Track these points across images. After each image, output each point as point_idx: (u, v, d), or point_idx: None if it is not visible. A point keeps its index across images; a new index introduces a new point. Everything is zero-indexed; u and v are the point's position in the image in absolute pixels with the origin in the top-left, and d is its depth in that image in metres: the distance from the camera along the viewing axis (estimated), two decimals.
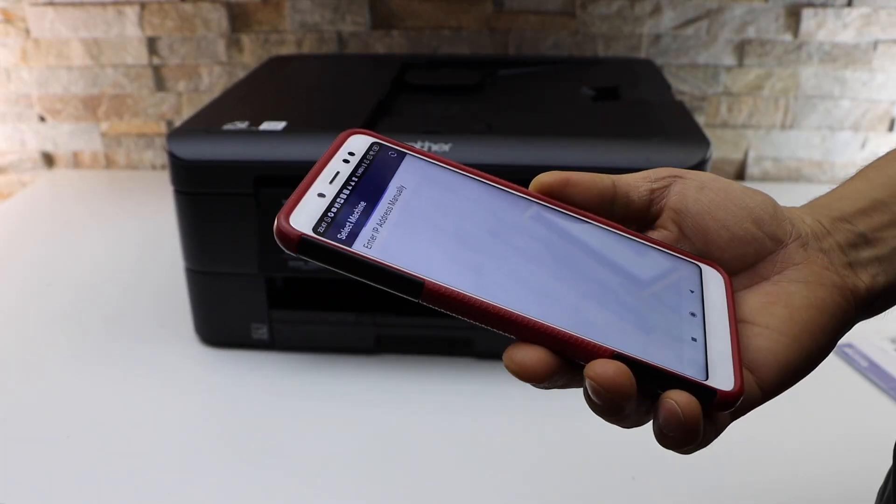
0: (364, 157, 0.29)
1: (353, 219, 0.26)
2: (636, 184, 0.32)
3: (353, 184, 0.27)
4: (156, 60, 1.10)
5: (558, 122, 0.70)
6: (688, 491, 0.53)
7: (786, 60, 1.04)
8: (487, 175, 0.30)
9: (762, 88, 1.06)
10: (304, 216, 0.25)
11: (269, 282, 0.67)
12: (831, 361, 0.68)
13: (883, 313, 0.33)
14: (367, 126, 0.67)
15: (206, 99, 1.09)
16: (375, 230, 0.25)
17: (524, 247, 0.27)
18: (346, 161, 0.28)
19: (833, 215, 0.33)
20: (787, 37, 1.03)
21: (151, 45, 1.09)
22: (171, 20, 1.07)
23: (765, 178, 1.11)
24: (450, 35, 1.06)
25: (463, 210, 0.27)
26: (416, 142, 0.62)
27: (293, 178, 0.63)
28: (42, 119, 1.14)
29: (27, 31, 1.09)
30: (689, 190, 0.32)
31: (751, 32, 1.03)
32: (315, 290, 0.70)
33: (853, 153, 1.08)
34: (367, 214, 0.26)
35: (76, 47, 1.09)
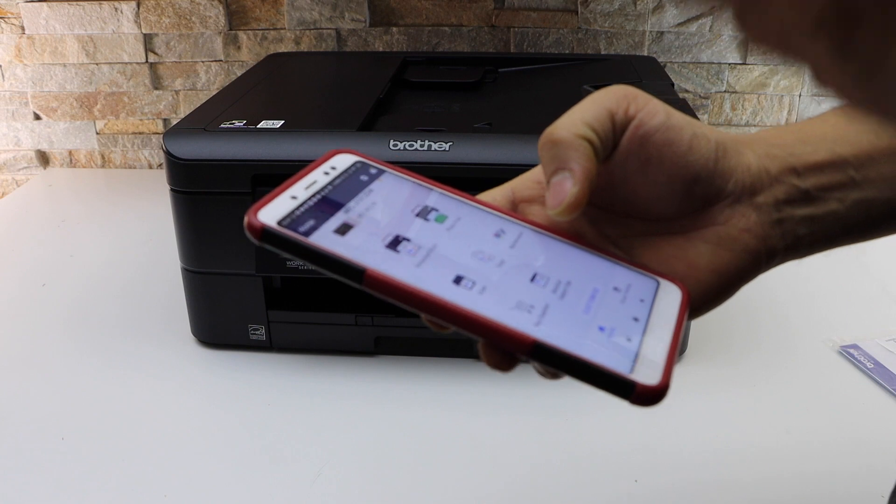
0: (344, 171, 0.32)
1: (315, 216, 0.29)
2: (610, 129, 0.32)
3: (325, 192, 0.31)
4: (152, 58, 1.09)
5: None
6: (690, 493, 0.53)
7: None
8: (464, 193, 0.33)
9: (766, 86, 1.05)
10: (273, 212, 0.28)
11: (266, 282, 0.66)
12: (836, 362, 0.67)
13: None
14: (366, 124, 0.67)
15: (203, 97, 1.09)
16: (334, 228, 0.29)
17: (475, 248, 0.30)
18: (325, 174, 0.32)
19: (785, 163, 0.32)
20: None
21: (148, 42, 1.08)
22: (168, 17, 1.06)
23: None
24: (450, 32, 1.06)
25: (421, 215, 0.31)
26: (415, 140, 0.61)
27: (291, 177, 0.63)
28: (37, 117, 1.13)
29: (22, 28, 1.08)
30: (632, 142, 0.31)
31: None
32: (313, 291, 0.69)
33: None
34: (328, 215, 0.29)
35: (71, 44, 1.09)
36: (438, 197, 0.33)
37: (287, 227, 0.28)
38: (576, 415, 0.61)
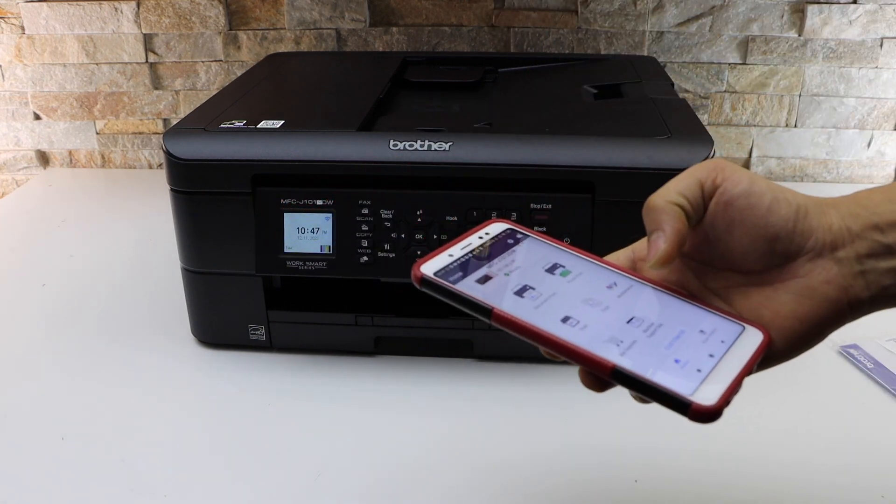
0: (495, 236, 0.41)
1: (463, 269, 0.38)
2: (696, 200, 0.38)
3: (476, 251, 0.39)
4: (152, 58, 1.09)
5: (559, 120, 0.69)
6: (690, 494, 0.52)
7: (790, 58, 1.03)
8: (592, 254, 0.40)
9: (766, 86, 1.05)
10: (433, 265, 0.38)
11: (266, 282, 0.66)
12: (836, 363, 0.67)
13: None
14: (366, 124, 0.67)
15: (203, 97, 1.09)
16: (477, 278, 0.37)
17: (588, 296, 0.37)
18: (480, 238, 0.40)
19: (868, 221, 0.36)
20: (792, 34, 1.02)
21: (148, 42, 1.08)
22: (168, 17, 1.06)
23: (769, 176, 1.10)
24: (450, 32, 1.06)
25: (549, 270, 0.39)
26: (415, 140, 0.61)
27: (291, 176, 0.63)
28: (37, 117, 1.13)
29: (22, 28, 1.08)
30: (718, 207, 0.37)
31: (755, 29, 1.02)
32: (313, 291, 0.69)
33: (858, 152, 1.07)
34: (475, 268, 0.38)
35: (71, 44, 1.09)
36: (568, 257, 0.40)
37: (440, 276, 0.37)
38: (576, 415, 0.61)
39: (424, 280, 0.37)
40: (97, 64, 1.10)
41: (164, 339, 0.71)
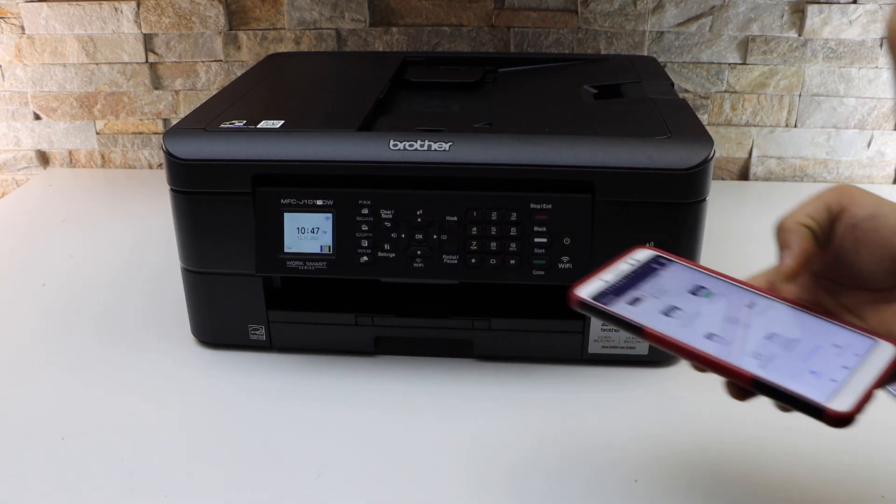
0: (643, 263, 0.45)
1: (615, 292, 0.43)
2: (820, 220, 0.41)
3: (627, 277, 0.44)
4: (152, 58, 1.09)
5: (559, 120, 0.69)
6: (691, 494, 0.52)
7: (790, 58, 1.03)
8: (734, 278, 0.44)
9: (766, 86, 1.05)
10: (587, 288, 0.43)
11: (266, 282, 0.66)
12: None
13: None
14: (366, 124, 0.67)
15: (203, 97, 1.09)
16: (628, 301, 0.42)
17: (729, 315, 0.41)
18: (629, 264, 0.45)
19: None
20: (792, 34, 1.02)
21: (148, 42, 1.08)
22: (168, 17, 1.06)
23: (769, 177, 1.10)
24: (450, 32, 1.06)
25: (693, 292, 0.43)
26: (415, 140, 0.61)
27: (291, 176, 0.63)
28: (37, 117, 1.13)
29: (22, 28, 1.08)
30: (845, 229, 0.41)
31: (755, 29, 1.02)
32: (313, 291, 0.69)
33: (859, 152, 1.07)
34: (625, 291, 0.43)
35: (71, 44, 1.09)
36: (712, 280, 0.44)
37: (595, 300, 0.42)
38: (576, 415, 0.61)
39: (582, 303, 0.42)
40: (97, 64, 1.10)
41: (164, 339, 0.71)
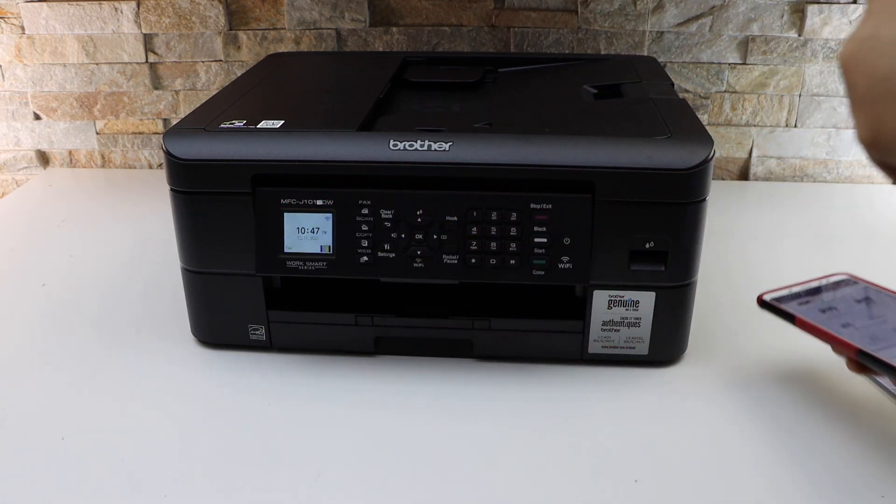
0: (832, 282, 0.59)
1: (792, 298, 0.57)
2: None
3: (811, 290, 0.58)
4: (152, 58, 1.09)
5: (559, 120, 0.69)
6: (691, 495, 0.52)
7: (790, 58, 1.03)
8: None
9: (766, 86, 1.05)
10: (775, 295, 0.58)
11: (266, 282, 0.66)
12: (836, 362, 0.67)
13: None
14: (366, 124, 0.67)
15: (203, 97, 1.09)
16: (798, 302, 0.57)
17: (876, 318, 0.54)
18: (819, 281, 0.59)
19: None
20: (792, 34, 1.02)
21: (148, 42, 1.08)
22: (168, 17, 1.06)
23: (769, 177, 1.10)
24: (450, 32, 1.06)
25: (860, 302, 0.55)
26: (415, 140, 0.61)
27: (291, 176, 0.63)
28: (37, 117, 1.13)
29: (22, 28, 1.08)
30: None
31: (755, 29, 1.02)
32: (313, 291, 0.69)
33: (858, 152, 1.07)
34: (800, 296, 0.57)
35: (71, 44, 1.09)
36: (881, 295, 0.56)
37: (776, 301, 0.57)
38: (576, 415, 0.61)
39: (764, 302, 0.57)
40: (97, 64, 1.10)
41: (164, 339, 0.71)
